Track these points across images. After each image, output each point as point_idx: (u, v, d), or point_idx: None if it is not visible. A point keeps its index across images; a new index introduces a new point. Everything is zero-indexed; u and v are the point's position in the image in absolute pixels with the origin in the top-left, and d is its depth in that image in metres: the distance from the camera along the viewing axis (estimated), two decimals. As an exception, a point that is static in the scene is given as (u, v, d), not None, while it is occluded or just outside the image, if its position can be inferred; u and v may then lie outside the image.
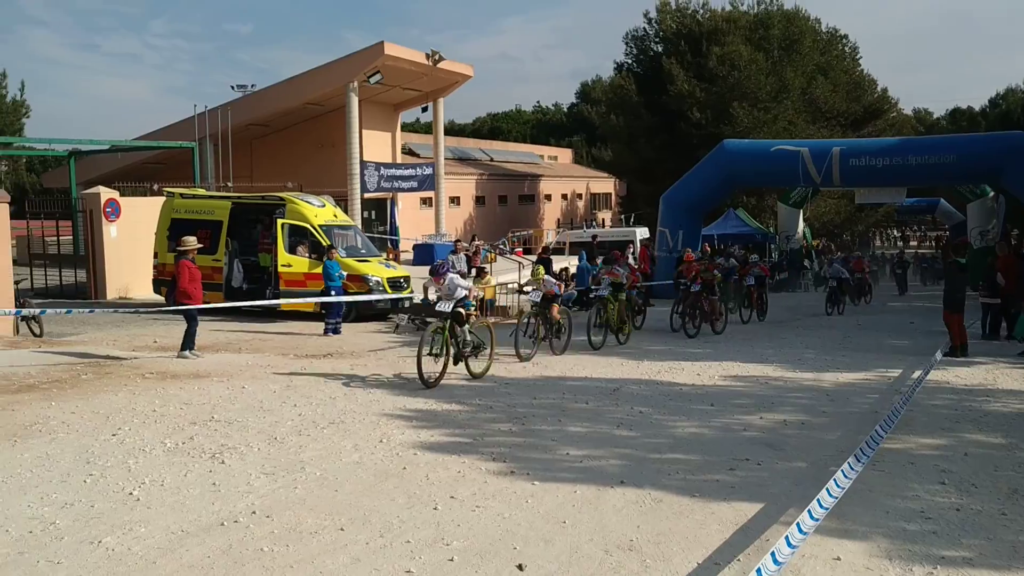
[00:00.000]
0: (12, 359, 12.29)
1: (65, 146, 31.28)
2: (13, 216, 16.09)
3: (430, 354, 11.45)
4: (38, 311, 15.11)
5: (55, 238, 25.09)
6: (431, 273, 12.32)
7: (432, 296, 12.33)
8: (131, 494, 6.57)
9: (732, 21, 44.40)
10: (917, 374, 12.30)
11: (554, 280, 15.18)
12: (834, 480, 5.79)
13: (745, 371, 13.19)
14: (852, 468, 6.07)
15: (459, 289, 12.03)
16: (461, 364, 12.13)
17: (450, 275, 12.16)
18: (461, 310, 12.00)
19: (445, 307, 11.89)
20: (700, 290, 17.95)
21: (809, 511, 5.08)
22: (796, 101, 42.66)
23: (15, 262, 16.91)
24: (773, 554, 4.35)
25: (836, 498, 5.51)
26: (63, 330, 16.46)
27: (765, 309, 21.99)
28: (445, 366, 11.59)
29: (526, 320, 14.63)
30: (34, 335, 15.56)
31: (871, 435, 7.30)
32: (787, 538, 4.60)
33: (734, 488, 7.01)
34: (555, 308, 14.91)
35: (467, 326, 12.13)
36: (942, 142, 30.85)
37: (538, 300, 14.74)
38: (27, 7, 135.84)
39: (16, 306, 15.32)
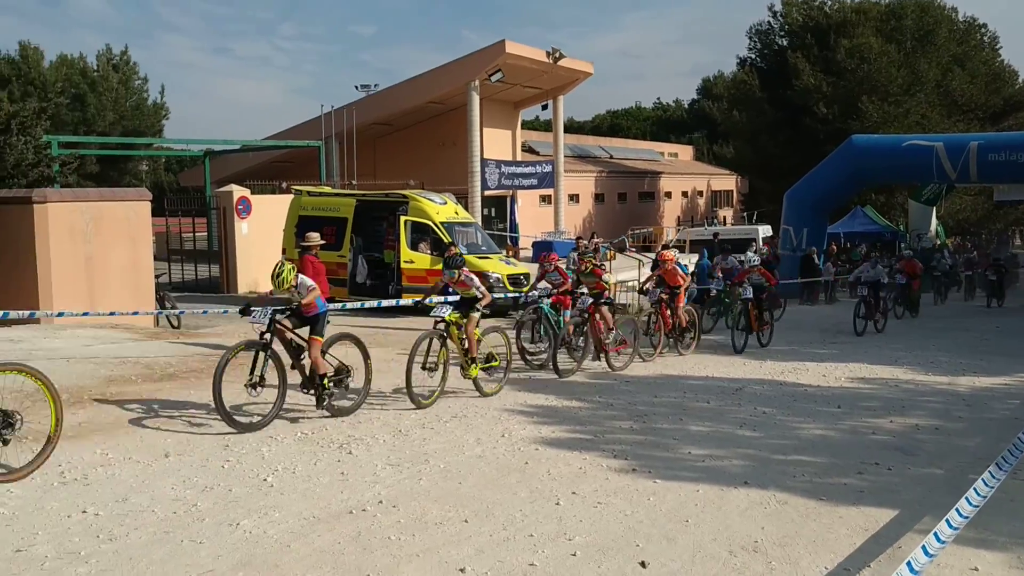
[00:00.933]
0: (153, 349, 12.90)
1: (200, 146, 32.71)
2: (153, 213, 16.87)
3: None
4: (178, 312, 15.98)
5: (191, 234, 26.23)
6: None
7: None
8: (265, 480, 6.84)
9: (862, 12, 43.03)
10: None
11: (310, 283, 9.20)
12: (974, 488, 5.55)
13: (874, 373, 12.78)
14: (994, 476, 5.80)
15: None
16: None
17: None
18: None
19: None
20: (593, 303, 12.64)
21: (947, 520, 4.89)
22: (930, 94, 41.08)
23: (154, 257, 17.74)
24: (909, 563, 4.21)
25: (977, 507, 5.28)
26: (198, 322, 17.17)
27: (769, 332, 16.06)
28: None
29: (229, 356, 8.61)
30: (172, 327, 16.33)
31: (1014, 443, 6.97)
32: (924, 547, 4.45)
33: (863, 492, 6.81)
34: (284, 333, 9.06)
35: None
36: (1090, 135, 29.20)
37: (264, 323, 8.81)
38: (164, 14, 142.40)
39: (156, 298, 16.11)
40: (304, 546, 5.52)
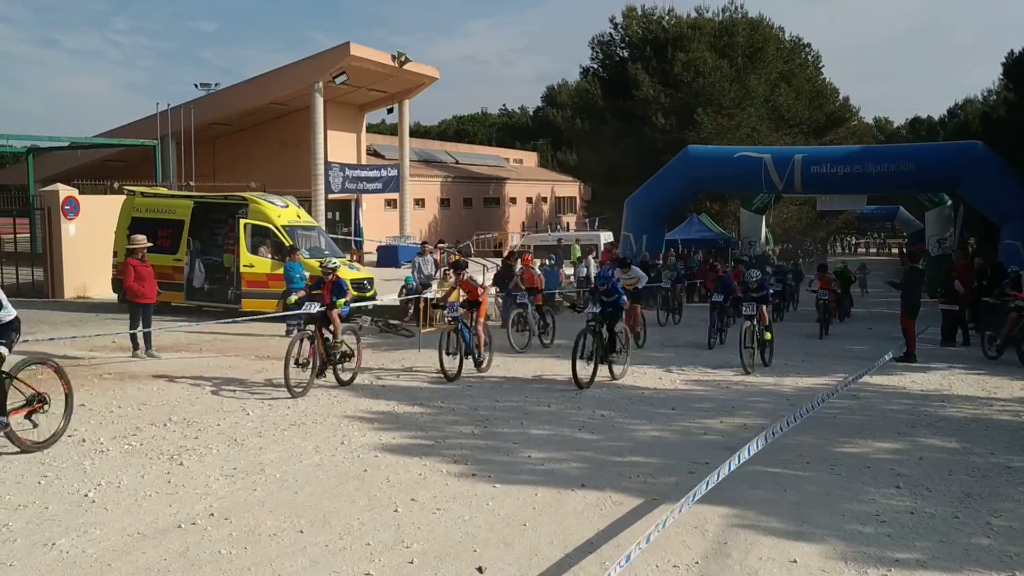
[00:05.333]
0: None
1: (23, 142, 30.78)
2: (-32, 213, 15.80)
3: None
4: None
5: (12, 236, 24.66)
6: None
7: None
8: (86, 496, 6.49)
9: (697, 28, 44.74)
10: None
11: None
12: (706, 482, 5.90)
13: (707, 376, 13.27)
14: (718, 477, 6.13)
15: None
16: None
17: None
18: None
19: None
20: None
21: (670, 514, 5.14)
22: (759, 108, 43.07)
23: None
24: (628, 556, 4.44)
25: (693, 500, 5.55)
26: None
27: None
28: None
29: None
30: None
31: (764, 435, 7.37)
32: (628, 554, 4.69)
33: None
34: None
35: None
36: (902, 151, 31.42)
37: None
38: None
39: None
40: (126, 564, 5.26)
